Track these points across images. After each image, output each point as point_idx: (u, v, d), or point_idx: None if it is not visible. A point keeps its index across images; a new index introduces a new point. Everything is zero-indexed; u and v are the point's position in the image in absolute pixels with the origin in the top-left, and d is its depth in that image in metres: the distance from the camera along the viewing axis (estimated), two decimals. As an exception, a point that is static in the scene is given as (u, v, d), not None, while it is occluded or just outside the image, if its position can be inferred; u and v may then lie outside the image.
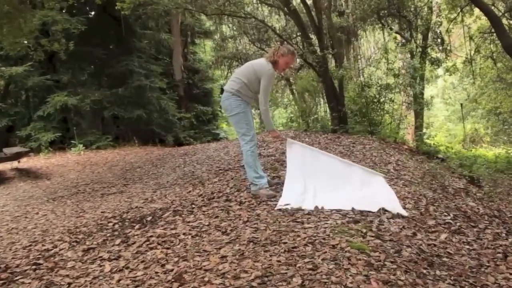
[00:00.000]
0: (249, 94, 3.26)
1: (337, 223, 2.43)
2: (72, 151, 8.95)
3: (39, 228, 3.35)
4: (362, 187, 3.09)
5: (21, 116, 10.56)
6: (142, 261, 2.18)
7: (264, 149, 5.18)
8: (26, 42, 8.43)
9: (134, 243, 2.49)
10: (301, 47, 9.09)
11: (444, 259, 2.13)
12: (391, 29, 9.43)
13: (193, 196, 3.50)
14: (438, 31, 9.89)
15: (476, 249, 2.33)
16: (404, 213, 2.73)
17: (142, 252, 2.32)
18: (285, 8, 7.64)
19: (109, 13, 10.58)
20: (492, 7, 8.07)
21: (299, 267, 1.87)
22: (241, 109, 3.21)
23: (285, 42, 9.72)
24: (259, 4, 11.41)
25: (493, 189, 4.34)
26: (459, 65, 10.72)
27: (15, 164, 7.23)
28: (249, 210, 2.85)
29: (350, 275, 1.79)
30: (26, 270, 2.29)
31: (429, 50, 9.41)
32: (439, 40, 9.79)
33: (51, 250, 2.62)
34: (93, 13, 11.68)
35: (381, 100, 7.00)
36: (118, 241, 2.57)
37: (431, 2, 9.82)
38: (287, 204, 2.84)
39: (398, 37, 9.74)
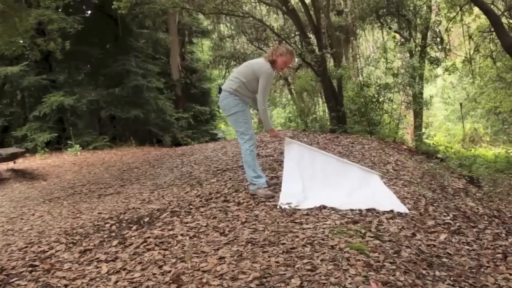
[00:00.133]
0: (248, 94, 3.25)
1: (336, 224, 2.42)
2: (68, 151, 8.90)
3: (35, 230, 3.33)
4: (360, 186, 3.12)
5: (16, 116, 10.50)
6: (140, 263, 2.16)
7: (263, 149, 5.18)
8: (21, 41, 8.37)
9: (131, 244, 2.47)
10: (299, 46, 9.08)
11: (444, 259, 2.13)
12: (390, 28, 9.43)
13: (191, 196, 3.49)
14: (437, 30, 9.90)
15: (476, 249, 2.32)
16: (405, 209, 2.75)
17: (140, 253, 2.31)
18: (283, 7, 7.63)
19: (106, 12, 10.54)
20: (492, 6, 8.06)
21: (297, 268, 1.87)
22: (239, 108, 3.21)
23: (284, 41, 9.71)
24: (257, 3, 11.40)
25: (493, 189, 4.36)
26: (458, 64, 10.68)
27: (10, 164, 7.18)
28: (247, 210, 2.85)
29: (349, 276, 1.78)
30: (22, 272, 2.27)
31: (428, 49, 9.41)
32: (438, 39, 9.80)
33: (47, 251, 2.60)
34: (89, 12, 11.63)
35: (380, 99, 6.99)
36: (115, 242, 2.56)
37: (430, 1, 9.82)
38: (288, 203, 2.84)
39: (397, 36, 9.73)
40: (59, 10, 9.41)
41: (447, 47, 10.09)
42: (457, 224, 2.68)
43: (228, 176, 4.03)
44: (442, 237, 2.40)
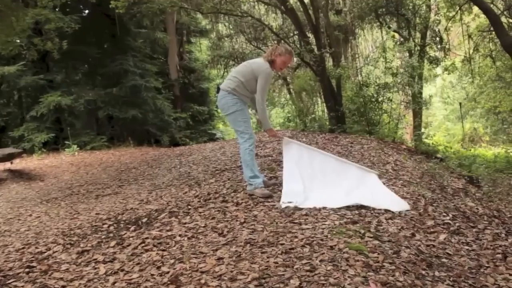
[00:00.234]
0: (246, 94, 3.25)
1: (335, 224, 2.42)
2: (66, 152, 8.86)
3: (32, 231, 3.31)
4: (358, 185, 3.13)
5: (13, 116, 10.45)
6: (138, 263, 2.15)
7: (261, 149, 5.17)
8: (18, 41, 8.34)
9: (129, 245, 2.46)
10: (298, 46, 9.07)
11: (443, 260, 2.13)
12: (389, 27, 9.42)
13: (189, 197, 3.48)
14: (437, 30, 9.91)
15: (475, 249, 2.32)
16: (406, 205, 2.75)
17: (138, 254, 2.29)
18: (282, 7, 7.62)
19: (103, 11, 10.49)
20: (491, 5, 8.06)
21: (296, 268, 1.86)
22: (238, 107, 3.20)
23: (282, 41, 9.70)
24: (256, 3, 11.39)
25: (493, 189, 4.37)
26: (457, 63, 10.68)
27: (7, 165, 7.14)
28: (246, 211, 2.84)
29: (348, 277, 1.77)
30: (19, 273, 2.25)
31: (427, 48, 9.41)
32: (437, 38, 9.80)
33: (45, 252, 2.59)
34: (87, 11, 11.59)
35: (379, 99, 6.98)
36: (113, 243, 2.55)
37: (430, 0, 9.82)
38: (290, 202, 2.85)
39: (396, 35, 9.70)
40: (56, 10, 9.37)
41: (447, 46, 10.10)
42: (457, 224, 2.67)
43: (226, 176, 4.02)
44: (442, 237, 2.40)
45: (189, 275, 1.90)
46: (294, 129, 7.88)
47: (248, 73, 3.20)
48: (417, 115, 9.64)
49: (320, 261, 1.92)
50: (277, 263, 1.93)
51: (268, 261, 1.95)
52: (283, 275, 1.80)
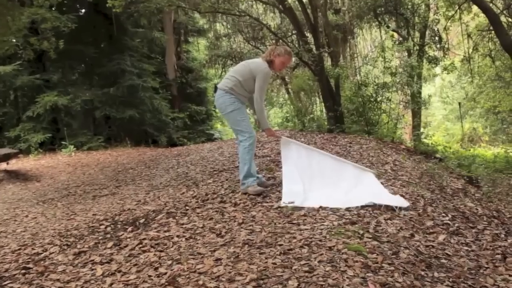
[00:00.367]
0: (244, 93, 3.24)
1: (333, 225, 2.41)
2: (62, 152, 8.82)
3: (29, 232, 3.29)
4: (356, 184, 3.15)
5: (9, 116, 10.39)
6: (135, 265, 2.14)
7: (260, 149, 5.16)
8: (14, 40, 8.30)
9: (127, 246, 2.45)
10: (296, 45, 9.07)
11: (442, 260, 2.12)
12: (388, 27, 9.41)
13: (187, 197, 3.46)
14: (436, 29, 9.92)
15: (475, 250, 2.32)
16: (405, 202, 2.76)
17: (135, 255, 2.28)
18: (280, 6, 7.60)
19: (100, 10, 10.45)
20: (491, 5, 8.05)
21: (295, 269, 1.85)
22: (235, 106, 3.19)
23: (280, 40, 9.69)
24: (254, 2, 11.38)
25: (492, 189, 4.37)
26: (457, 63, 10.67)
27: (3, 165, 7.10)
28: (244, 211, 2.83)
29: (347, 277, 1.77)
30: (15, 275, 2.23)
31: (426, 48, 9.42)
32: (436, 38, 9.82)
33: (41, 253, 2.57)
34: (83, 10, 11.54)
35: (378, 99, 6.96)
36: (110, 244, 2.53)
37: (429, 0, 9.84)
38: (291, 202, 2.85)
39: (395, 35, 9.69)
40: (53, 9, 9.33)
41: (446, 46, 10.10)
42: (456, 224, 2.67)
43: (224, 177, 4.01)
44: (441, 238, 2.39)
45: (187, 276, 1.89)
46: (292, 129, 7.87)
47: (246, 73, 3.20)
48: (416, 115, 9.63)
49: (319, 262, 1.91)
50: (276, 264, 1.92)
51: (266, 262, 1.94)
52: (282, 276, 1.79)
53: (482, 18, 10.01)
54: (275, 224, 2.49)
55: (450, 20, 9.89)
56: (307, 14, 7.38)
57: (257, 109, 3.24)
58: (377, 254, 2.02)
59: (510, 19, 9.32)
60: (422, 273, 1.93)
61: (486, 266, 2.12)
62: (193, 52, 15.43)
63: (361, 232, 2.30)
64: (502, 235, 2.58)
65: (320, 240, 2.17)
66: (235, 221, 2.64)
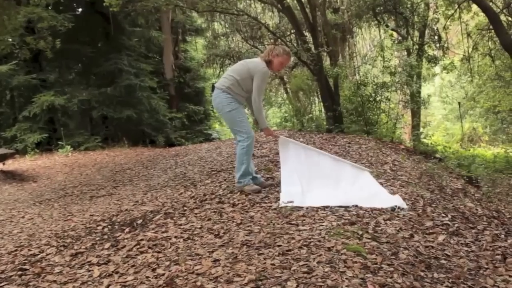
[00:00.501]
0: (241, 93, 3.22)
1: (332, 225, 2.40)
2: (59, 152, 8.78)
3: (25, 233, 3.27)
4: (354, 183, 3.16)
5: (5, 116, 10.34)
6: (133, 266, 2.12)
7: (258, 149, 5.15)
8: (10, 39, 8.25)
9: (124, 247, 2.43)
10: (295, 45, 9.05)
11: (442, 261, 2.12)
12: (387, 26, 9.41)
13: (185, 198, 3.45)
14: (435, 28, 9.91)
15: (475, 251, 2.32)
16: (404, 204, 2.78)
17: (132, 256, 2.26)
18: (279, 5, 7.59)
19: (97, 10, 10.41)
20: (490, 3, 8.00)
21: (293, 270, 1.84)
22: (233, 106, 3.18)
23: (279, 39, 9.69)
24: (252, 1, 11.37)
25: (492, 190, 4.37)
26: (456, 62, 10.63)
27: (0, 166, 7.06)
28: (242, 212, 2.82)
29: (346, 278, 1.76)
30: (11, 276, 2.21)
31: (426, 47, 9.41)
32: (436, 37, 9.81)
33: (38, 255, 2.55)
34: (80, 9, 11.50)
35: (377, 99, 6.95)
36: (107, 245, 2.52)
37: (428, -1, 9.84)
38: (290, 202, 2.85)
39: (395, 34, 9.66)
40: (49, 8, 9.28)
41: (445, 45, 10.09)
42: (456, 225, 2.67)
43: (222, 177, 4.00)
44: (441, 238, 2.39)
45: (185, 277, 1.88)
46: (291, 129, 7.86)
47: (244, 72, 3.18)
48: (415, 114, 9.62)
49: (318, 262, 1.90)
50: (274, 264, 1.91)
51: (265, 263, 1.93)
52: (280, 277, 1.78)
53: (482, 17, 9.99)
54: (273, 224, 2.48)
55: (449, 19, 9.87)
56: (306, 13, 7.37)
57: (255, 109, 3.23)
58: (376, 255, 2.01)
59: (510, 18, 9.33)
60: (422, 273, 1.93)
61: (486, 266, 2.12)
62: (191, 51, 15.40)
63: (360, 232, 2.29)
64: (502, 236, 2.58)
65: (319, 241, 2.16)
66: (233, 221, 2.62)
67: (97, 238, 2.71)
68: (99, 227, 3.00)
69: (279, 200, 2.95)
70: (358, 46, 14.14)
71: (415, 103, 8.04)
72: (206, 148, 6.80)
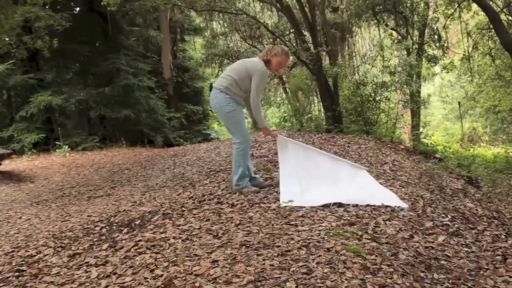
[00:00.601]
0: (239, 93, 3.21)
1: (331, 226, 2.40)
2: (57, 152, 8.75)
3: (22, 233, 3.25)
4: (352, 181, 3.17)
5: (2, 116, 10.30)
6: (131, 266, 2.11)
7: (257, 149, 5.15)
8: (7, 39, 8.21)
9: (122, 247, 2.42)
10: (294, 44, 9.05)
11: (442, 262, 2.11)
12: (386, 25, 9.41)
13: (183, 198, 3.44)
14: (435, 28, 9.91)
15: (475, 251, 2.31)
16: (403, 204, 2.78)
17: (131, 257, 2.25)
18: (278, 4, 7.58)
19: (95, 9, 10.38)
20: (491, 2, 7.98)
21: (293, 271, 1.83)
22: (231, 107, 3.16)
23: (278, 39, 9.68)
24: (251, 0, 11.35)
25: (492, 190, 4.37)
26: (456, 62, 10.60)
27: (-3, 166, 7.03)
28: (241, 212, 2.81)
29: (346, 279, 1.75)
30: (8, 277, 2.19)
31: (425, 47, 9.41)
32: (436, 36, 9.81)
33: (35, 256, 2.53)
34: (78, 9, 11.46)
35: (377, 98, 6.94)
36: (105, 245, 2.50)
37: (428, -2, 9.83)
38: (290, 201, 2.85)
39: (394, 33, 9.64)
40: (46, 7, 9.23)
41: (445, 44, 10.07)
42: (456, 225, 2.66)
43: (221, 177, 3.99)
44: (441, 239, 2.38)
45: (183, 278, 1.87)
46: (290, 129, 7.86)
47: (242, 71, 3.17)
48: (415, 114, 9.62)
49: (317, 263, 1.90)
50: (273, 265, 1.90)
51: (264, 264, 1.92)
52: (279, 277, 1.77)
53: (482, 16, 9.99)
54: (272, 225, 2.47)
55: (449, 18, 9.85)
56: (305, 12, 7.36)
57: (254, 108, 3.21)
58: (376, 256, 2.00)
59: (510, 17, 9.32)
60: (422, 274, 1.92)
61: (486, 267, 2.11)
62: (189, 51, 15.37)
63: (360, 233, 2.28)
64: (503, 236, 2.57)
65: (318, 242, 2.15)
66: (232, 222, 2.61)
67: (95, 239, 2.70)
68: (97, 228, 2.98)
69: (278, 200, 2.95)
70: (357, 45, 14.13)
71: (415, 102, 8.03)
72: (205, 148, 6.79)
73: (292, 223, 2.49)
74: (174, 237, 2.46)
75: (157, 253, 2.25)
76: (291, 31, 10.60)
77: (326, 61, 8.76)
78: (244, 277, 1.79)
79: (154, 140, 10.91)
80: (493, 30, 8.09)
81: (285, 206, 2.79)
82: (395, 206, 2.77)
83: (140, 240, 2.48)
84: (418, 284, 1.80)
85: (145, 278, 1.94)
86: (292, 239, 2.20)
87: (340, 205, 2.79)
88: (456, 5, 9.50)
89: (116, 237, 2.66)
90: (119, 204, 3.77)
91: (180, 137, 11.72)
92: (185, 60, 14.44)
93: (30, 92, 9.60)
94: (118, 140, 10.04)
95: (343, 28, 11.52)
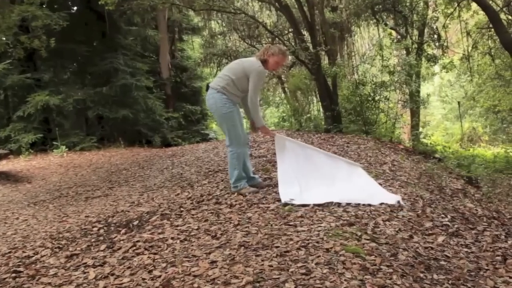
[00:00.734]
0: (237, 93, 3.19)
1: (331, 226, 2.39)
2: (54, 153, 8.72)
3: (19, 234, 3.23)
4: (350, 180, 3.18)
5: (-1, 116, 10.24)
6: (129, 267, 2.10)
7: (256, 149, 5.15)
8: (4, 38, 8.17)
9: (120, 248, 2.41)
10: (293, 43, 9.04)
11: (442, 262, 2.11)
12: (386, 24, 9.43)
13: (182, 199, 3.43)
14: (435, 27, 9.90)
15: (475, 252, 2.31)
16: (398, 198, 2.81)
17: (129, 257, 2.24)
18: (276, 3, 7.57)
19: (93, 8, 10.34)
20: (490, 2, 7.96)
21: (292, 272, 1.82)
22: (227, 108, 3.14)
23: (277, 38, 9.67)
24: (250, -1, 11.34)
25: (492, 190, 4.38)
26: (456, 62, 10.58)
27: (-6, 166, 7.00)
28: (240, 213, 2.80)
29: (345, 280, 1.75)
30: (5, 279, 2.18)
31: (425, 46, 9.40)
32: (435, 36, 9.81)
33: (32, 257, 2.52)
34: (75, 8, 11.42)
35: (376, 98, 6.94)
36: (103, 246, 2.50)
37: (427, -3, 9.83)
38: (292, 199, 2.86)
39: (393, 33, 9.62)
40: (44, 6, 9.18)
41: (445, 44, 10.06)
42: (456, 226, 2.66)
43: (220, 178, 3.99)
44: (440, 239, 2.38)
45: (182, 279, 1.86)
46: (289, 129, 7.85)
47: (239, 71, 3.16)
48: (414, 114, 9.61)
49: (316, 264, 1.89)
50: (272, 266, 1.89)
51: (262, 264, 1.91)
52: (278, 278, 1.76)
53: (482, 16, 9.98)
54: (271, 225, 2.47)
55: (449, 17, 9.83)
56: (304, 11, 7.36)
57: (252, 108, 3.20)
58: (375, 256, 2.00)
59: (510, 17, 9.33)
60: (421, 275, 1.92)
61: (486, 268, 2.11)
62: (187, 50, 15.35)
63: (359, 233, 2.28)
64: (502, 236, 2.57)
65: (317, 242, 2.14)
66: (230, 222, 2.61)
67: (93, 240, 2.69)
68: (95, 229, 2.97)
69: (277, 201, 2.94)
70: (356, 45, 14.14)
71: (414, 102, 8.03)
72: (203, 148, 6.78)
73: (291, 223, 2.48)
74: (172, 238, 2.45)
75: (155, 253, 2.24)
76: (290, 30, 10.60)
77: (325, 60, 8.76)
78: (243, 278, 1.78)
79: (152, 140, 10.88)
80: (492, 29, 8.09)
81: (285, 206, 2.79)
82: (397, 201, 2.78)
83: (138, 241, 2.47)
84: (417, 285, 1.79)
85: (143, 279, 1.93)
86: (291, 239, 2.19)
87: (339, 205, 2.79)
88: (456, 4, 9.48)
89: (114, 237, 2.65)
90: (117, 204, 3.76)
91: (178, 137, 11.70)
92: (183, 59, 14.41)
93: (27, 92, 9.57)
94: (116, 140, 10.01)
95: (342, 27, 11.51)
